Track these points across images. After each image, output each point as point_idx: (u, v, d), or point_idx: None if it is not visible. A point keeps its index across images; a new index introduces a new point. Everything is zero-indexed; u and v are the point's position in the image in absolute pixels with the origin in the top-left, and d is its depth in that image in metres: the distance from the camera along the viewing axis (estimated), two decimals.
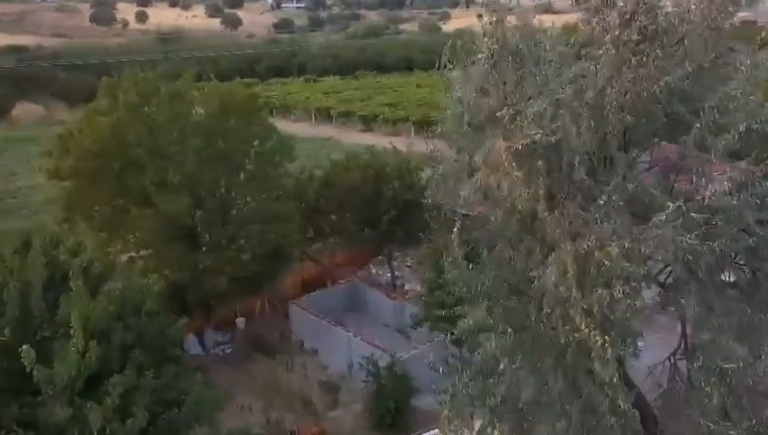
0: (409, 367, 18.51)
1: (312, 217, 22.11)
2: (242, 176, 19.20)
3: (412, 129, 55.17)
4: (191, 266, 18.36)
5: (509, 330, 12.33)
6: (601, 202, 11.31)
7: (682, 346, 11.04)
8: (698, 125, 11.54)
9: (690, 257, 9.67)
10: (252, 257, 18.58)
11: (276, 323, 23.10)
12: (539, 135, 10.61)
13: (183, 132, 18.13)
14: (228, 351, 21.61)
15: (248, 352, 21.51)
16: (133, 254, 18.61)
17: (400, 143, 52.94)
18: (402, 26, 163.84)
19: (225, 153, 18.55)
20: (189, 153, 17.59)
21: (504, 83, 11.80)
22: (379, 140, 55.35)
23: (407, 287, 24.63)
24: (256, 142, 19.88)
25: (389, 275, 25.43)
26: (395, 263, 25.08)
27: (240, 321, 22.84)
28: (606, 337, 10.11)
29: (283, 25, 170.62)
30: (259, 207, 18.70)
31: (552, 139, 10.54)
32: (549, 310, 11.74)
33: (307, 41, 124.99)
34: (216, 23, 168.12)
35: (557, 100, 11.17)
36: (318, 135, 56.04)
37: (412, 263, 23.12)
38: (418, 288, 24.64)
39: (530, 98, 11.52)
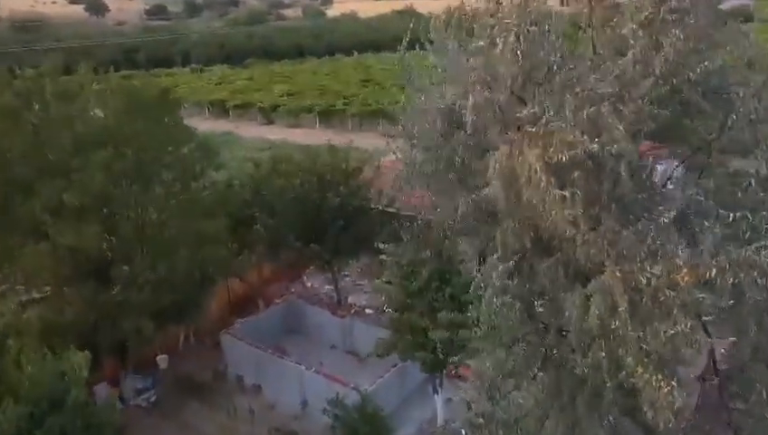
0: (376, 399, 16.15)
1: (240, 233, 18.95)
2: (158, 190, 15.73)
3: (317, 120, 52.16)
4: (102, 306, 14.80)
5: (539, 374, 10.28)
6: (655, 216, 9.52)
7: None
8: (734, 117, 10.09)
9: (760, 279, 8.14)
10: (174, 286, 15.33)
11: (206, 358, 19.79)
12: (584, 141, 8.60)
13: (82, 142, 14.41)
14: (152, 399, 18.09)
15: (177, 397, 18.13)
16: (24, 298, 14.71)
17: (307, 136, 49.93)
18: (284, 12, 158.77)
19: (137, 165, 15.03)
20: (94, 168, 13.96)
21: (524, 73, 9.61)
22: (283, 134, 51.98)
23: (350, 300, 22.13)
24: (172, 149, 16.46)
25: (328, 287, 22.79)
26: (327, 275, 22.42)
27: (162, 359, 19.29)
28: (672, 382, 8.39)
29: (157, 12, 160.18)
30: (184, 227, 15.39)
31: (597, 146, 8.56)
32: (586, 347, 9.95)
33: (186, 28, 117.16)
34: (78, 9, 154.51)
35: (597, 94, 9.15)
36: (214, 130, 51.55)
37: (362, 275, 20.56)
38: (363, 301, 22.27)
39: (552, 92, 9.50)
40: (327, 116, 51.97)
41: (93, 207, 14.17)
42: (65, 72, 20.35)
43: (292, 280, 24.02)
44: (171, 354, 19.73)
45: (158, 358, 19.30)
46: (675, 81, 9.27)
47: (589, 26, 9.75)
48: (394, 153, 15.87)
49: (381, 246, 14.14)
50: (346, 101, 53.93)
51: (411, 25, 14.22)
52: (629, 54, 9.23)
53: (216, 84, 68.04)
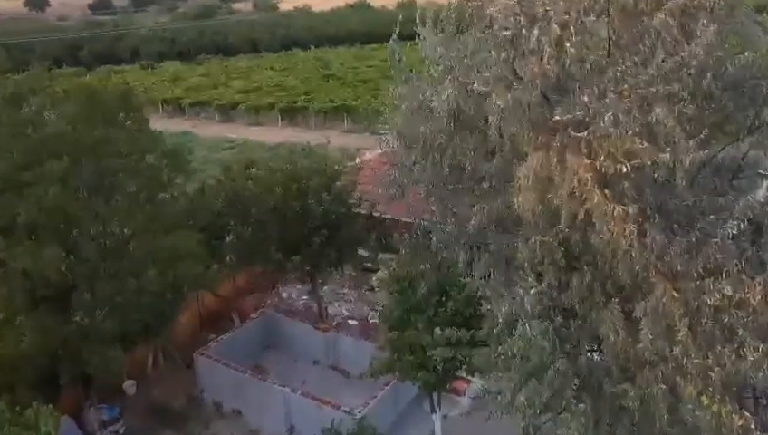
0: (371, 421, 14.98)
1: (212, 245, 17.40)
2: (123, 204, 14.09)
3: (279, 117, 50.37)
4: (64, 335, 13.15)
5: (577, 405, 9.27)
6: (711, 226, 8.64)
7: None
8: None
9: None
10: (141, 307, 13.79)
11: (178, 382, 18.19)
12: (647, 149, 7.63)
13: (35, 152, 12.69)
14: (121, 431, 16.43)
15: (149, 427, 16.52)
16: None
17: (270, 134, 48.09)
18: (235, 5, 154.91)
19: (98, 176, 13.38)
20: (49, 181, 12.27)
21: (563, 69, 8.54)
22: (245, 132, 50.05)
23: (331, 311, 20.80)
24: (137, 157, 14.82)
25: (306, 298, 21.40)
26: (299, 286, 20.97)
27: (129, 385, 17.64)
28: (745, 414, 7.54)
29: (101, 6, 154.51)
30: (153, 243, 13.81)
31: (669, 155, 7.57)
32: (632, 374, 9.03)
33: (133, 23, 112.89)
34: (18, 4, 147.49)
35: (651, 93, 8.17)
36: (171, 130, 49.17)
37: (345, 285, 19.23)
38: (345, 312, 20.99)
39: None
40: (289, 113, 50.27)
41: (50, 225, 12.48)
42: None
43: (266, 290, 22.55)
44: (139, 379, 18.09)
45: (124, 384, 17.64)
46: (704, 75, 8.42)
47: (604, 15, 8.71)
48: (383, 150, 14.67)
49: (379, 257, 12.95)
50: (308, 97, 52.28)
51: (401, 18, 13.02)
52: (659, 47, 8.28)
53: (169, 82, 65.32)
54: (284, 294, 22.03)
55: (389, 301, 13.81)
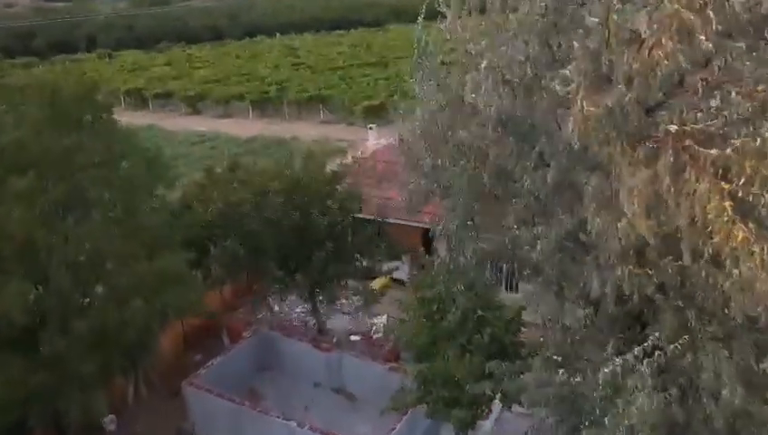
0: None
1: (199, 260, 15.39)
2: (98, 222, 12.00)
3: (249, 108, 47.87)
4: (34, 383, 11.08)
5: None
6: None
7: None
8: None
9: None
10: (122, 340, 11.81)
11: (165, 413, 16.17)
12: None
13: None
14: None
15: None
16: None
17: (241, 126, 45.59)
18: None
19: (70, 193, 11.27)
20: (11, 202, 10.14)
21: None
22: (213, 125, 47.37)
23: (329, 325, 18.96)
24: (111, 165, 12.71)
25: (300, 310, 19.52)
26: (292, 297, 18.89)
27: (109, 421, 15.55)
28: None
29: None
30: (137, 267, 11.80)
31: None
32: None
33: (88, 9, 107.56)
34: None
35: None
36: (135, 123, 46.35)
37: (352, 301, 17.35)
38: (345, 326, 19.18)
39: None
40: (260, 104, 47.83)
41: (14, 255, 10.36)
42: None
43: (254, 302, 20.57)
44: (120, 413, 16.01)
45: (104, 420, 15.55)
46: None
47: None
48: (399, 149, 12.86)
49: (404, 277, 11.21)
50: (280, 86, 49.88)
51: None
52: None
53: (129, 71, 61.93)
54: (276, 307, 20.09)
55: (416, 326, 12.09)
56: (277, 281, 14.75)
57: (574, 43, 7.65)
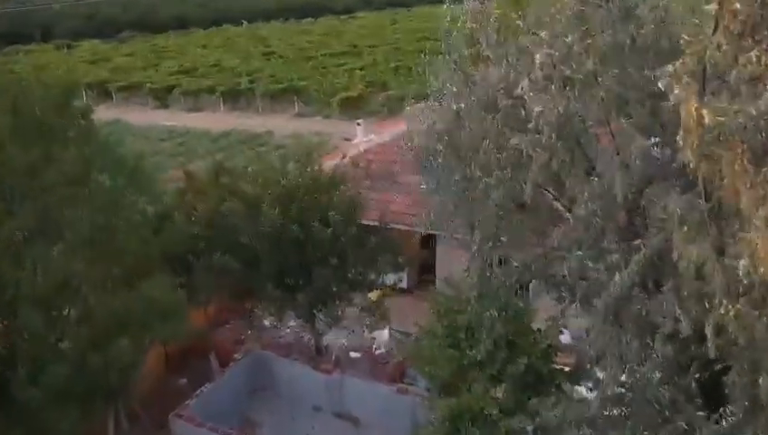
0: None
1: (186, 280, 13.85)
2: (72, 246, 10.37)
3: (220, 101, 45.76)
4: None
5: None
6: None
7: None
8: None
9: None
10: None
11: None
12: None
13: None
14: None
15: None
16: None
17: (212, 121, 43.51)
18: None
19: (40, 212, 9.63)
20: None
21: None
22: (183, 119, 45.06)
23: (326, 341, 17.54)
24: (87, 179, 11.06)
25: (292, 325, 18.04)
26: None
27: None
28: None
29: None
30: (121, 296, 10.23)
31: None
32: None
33: None
34: None
35: None
36: (99, 118, 43.85)
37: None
38: (343, 342, 17.77)
39: None
40: (231, 96, 45.76)
41: None
42: None
43: (240, 316, 19.02)
44: None
45: None
46: None
47: None
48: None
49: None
50: (251, 78, 47.87)
51: None
52: None
53: (90, 63, 58.99)
54: (266, 322, 18.58)
55: (440, 355, 10.78)
56: (274, 301, 13.29)
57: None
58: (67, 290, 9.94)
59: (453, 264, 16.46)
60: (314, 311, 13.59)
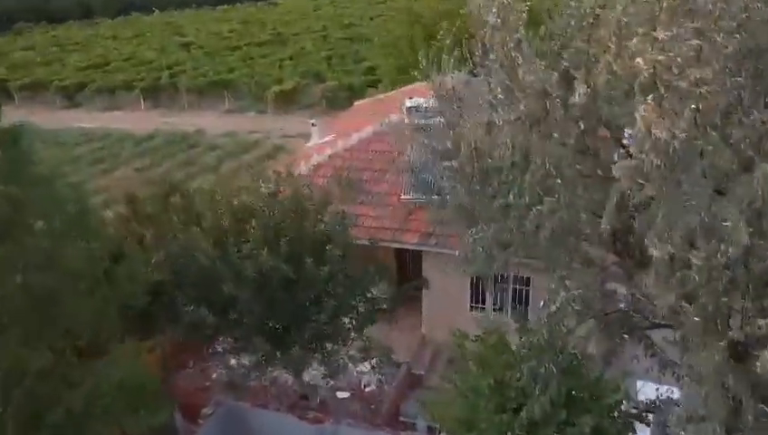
0: None
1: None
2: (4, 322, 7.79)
3: (141, 99, 41.80)
4: None
5: None
6: None
7: None
8: None
9: None
10: None
11: None
12: None
13: None
14: None
15: None
16: None
17: (133, 120, 39.53)
18: None
19: None
20: None
21: None
22: (99, 120, 40.60)
23: (306, 378, 15.29)
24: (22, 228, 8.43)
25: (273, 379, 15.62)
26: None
27: None
28: None
29: None
30: (81, 391, 7.76)
31: None
32: None
33: None
34: None
35: None
36: None
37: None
38: (328, 381, 15.56)
39: None
40: (153, 93, 41.92)
41: None
42: None
43: (201, 355, 16.47)
44: None
45: None
46: None
47: None
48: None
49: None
50: (172, 72, 44.11)
51: None
52: None
53: None
54: (232, 361, 16.10)
55: (482, 416, 8.92)
56: (264, 355, 11.01)
57: None
58: (6, 383, 7.37)
59: (444, 281, 14.76)
60: (308, 362, 11.40)
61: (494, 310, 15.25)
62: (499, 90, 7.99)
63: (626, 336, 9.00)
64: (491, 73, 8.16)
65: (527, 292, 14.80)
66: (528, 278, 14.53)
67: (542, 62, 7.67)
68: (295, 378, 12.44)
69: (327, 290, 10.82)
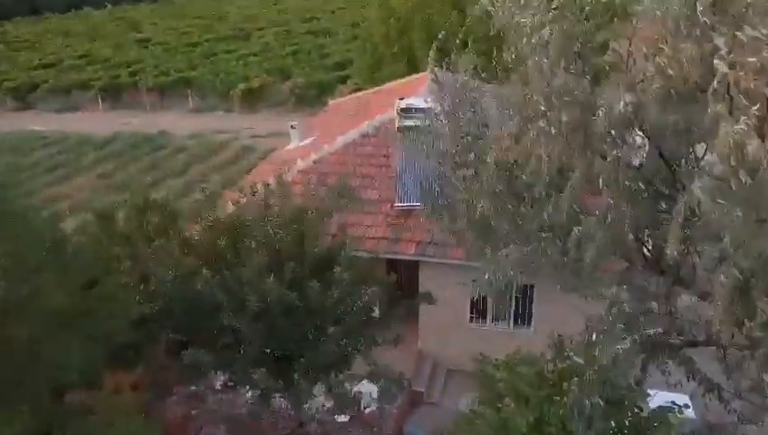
0: None
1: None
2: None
3: (99, 99, 39.74)
4: None
5: None
6: None
7: None
8: None
9: None
10: None
11: None
12: None
13: None
14: None
15: None
16: None
17: (92, 122, 37.49)
18: None
19: None
20: None
21: None
22: (54, 122, 38.35)
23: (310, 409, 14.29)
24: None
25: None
26: None
27: None
28: None
29: None
30: None
31: None
32: None
33: None
34: None
35: None
36: None
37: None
38: (324, 403, 14.57)
39: None
40: (111, 92, 39.92)
41: None
42: None
43: (184, 379, 15.29)
44: None
45: None
46: None
47: None
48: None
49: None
50: (131, 70, 42.14)
51: None
52: None
53: None
54: (217, 384, 14.96)
55: None
56: (264, 388, 10.01)
57: None
58: None
59: (442, 292, 13.90)
60: (311, 393, 10.45)
61: (494, 322, 14.57)
62: (536, 98, 7.11)
63: (669, 361, 8.40)
64: (525, 80, 7.31)
65: (530, 300, 14.14)
66: (532, 286, 13.87)
67: (572, 67, 6.86)
68: (295, 409, 11.43)
69: (335, 316, 9.87)
